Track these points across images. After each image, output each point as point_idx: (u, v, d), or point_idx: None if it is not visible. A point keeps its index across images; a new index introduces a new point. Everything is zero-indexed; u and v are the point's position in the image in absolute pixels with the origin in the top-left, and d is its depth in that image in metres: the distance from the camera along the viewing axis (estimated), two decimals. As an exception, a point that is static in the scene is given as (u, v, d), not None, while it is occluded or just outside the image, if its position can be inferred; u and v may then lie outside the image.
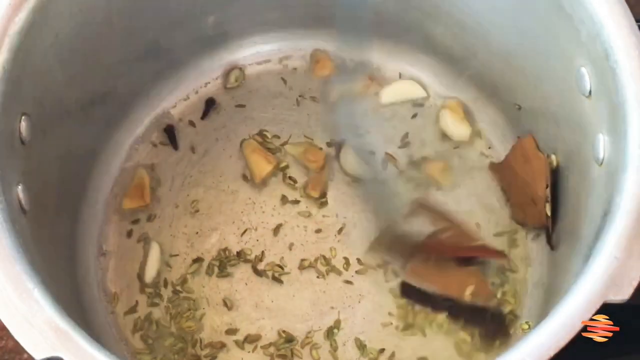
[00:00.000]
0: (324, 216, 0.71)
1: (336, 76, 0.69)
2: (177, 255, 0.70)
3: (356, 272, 0.69)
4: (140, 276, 0.69)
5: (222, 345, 0.66)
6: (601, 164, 0.55)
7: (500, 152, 0.73)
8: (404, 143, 0.73)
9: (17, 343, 0.46)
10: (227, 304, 0.68)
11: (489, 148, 0.73)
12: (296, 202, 0.71)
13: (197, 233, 0.70)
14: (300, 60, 0.77)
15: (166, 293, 0.68)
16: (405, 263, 0.67)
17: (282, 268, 0.69)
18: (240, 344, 0.66)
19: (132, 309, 0.68)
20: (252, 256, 0.69)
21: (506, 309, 0.67)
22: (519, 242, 0.69)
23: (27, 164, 0.56)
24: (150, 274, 0.69)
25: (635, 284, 0.47)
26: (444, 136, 0.74)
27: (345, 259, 0.69)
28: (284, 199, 0.71)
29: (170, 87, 0.75)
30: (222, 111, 0.75)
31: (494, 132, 0.73)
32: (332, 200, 0.71)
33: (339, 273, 0.69)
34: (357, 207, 0.71)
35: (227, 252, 0.70)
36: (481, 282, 0.66)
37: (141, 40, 0.68)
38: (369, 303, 0.68)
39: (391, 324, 0.67)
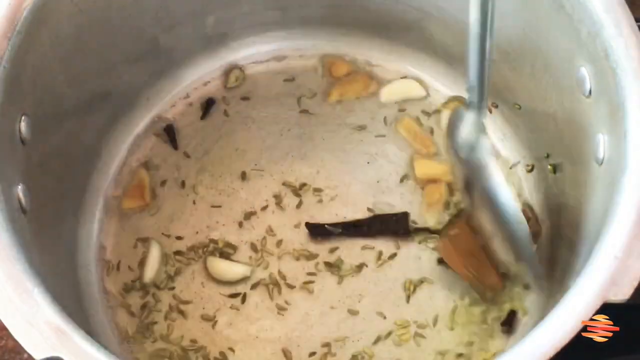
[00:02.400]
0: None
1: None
2: (176, 254, 0.70)
3: (351, 277, 0.69)
4: (140, 276, 0.69)
5: (224, 345, 0.66)
6: (601, 164, 0.55)
7: (500, 151, 0.73)
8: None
9: (17, 343, 0.46)
10: (227, 304, 0.68)
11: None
12: (298, 201, 0.71)
13: (197, 233, 0.70)
14: (301, 60, 0.77)
15: (166, 293, 0.68)
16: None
17: (281, 271, 0.69)
18: (240, 345, 0.67)
19: (132, 309, 0.68)
20: (252, 256, 0.70)
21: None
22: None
23: (27, 164, 0.56)
24: (150, 273, 0.69)
25: (635, 284, 0.47)
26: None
27: (350, 262, 0.69)
28: (283, 199, 0.72)
29: (170, 87, 0.75)
30: (222, 111, 0.75)
31: (494, 131, 0.74)
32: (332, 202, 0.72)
33: (342, 275, 0.69)
34: (356, 207, 0.71)
35: (227, 252, 0.70)
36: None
37: (141, 40, 0.68)
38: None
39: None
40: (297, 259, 0.69)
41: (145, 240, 0.70)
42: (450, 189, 0.71)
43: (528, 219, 0.69)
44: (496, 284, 0.67)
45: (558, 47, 0.59)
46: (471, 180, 0.63)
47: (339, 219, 0.71)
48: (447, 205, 0.71)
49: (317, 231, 0.70)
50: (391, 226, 0.70)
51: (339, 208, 0.71)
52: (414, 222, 0.70)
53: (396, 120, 0.74)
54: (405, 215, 0.70)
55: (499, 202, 0.59)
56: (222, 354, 0.66)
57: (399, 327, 0.67)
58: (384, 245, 0.70)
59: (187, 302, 0.68)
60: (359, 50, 0.76)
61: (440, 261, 0.68)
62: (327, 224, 0.70)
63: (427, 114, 0.75)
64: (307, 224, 0.70)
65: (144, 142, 0.74)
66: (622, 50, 0.53)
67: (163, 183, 0.72)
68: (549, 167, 0.68)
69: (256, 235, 0.70)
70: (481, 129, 0.61)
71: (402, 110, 0.75)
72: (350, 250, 0.70)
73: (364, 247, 0.70)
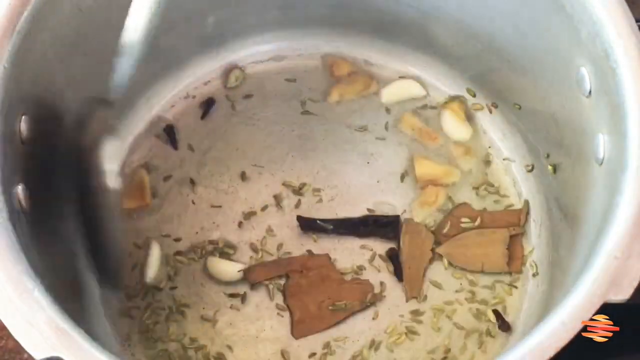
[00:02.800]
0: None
1: None
2: (177, 255, 0.70)
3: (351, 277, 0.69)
4: (141, 276, 0.69)
5: (224, 344, 0.66)
6: (601, 164, 0.55)
7: (501, 151, 0.73)
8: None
9: (17, 343, 0.46)
10: (227, 304, 0.68)
11: (489, 147, 0.73)
12: (298, 201, 0.72)
13: (197, 233, 0.70)
14: (301, 60, 0.77)
15: (166, 293, 0.68)
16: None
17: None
18: (240, 344, 0.67)
19: (132, 309, 0.68)
20: (252, 256, 0.70)
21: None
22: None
23: (27, 164, 0.56)
24: (150, 274, 0.69)
25: (635, 284, 0.48)
26: (445, 136, 0.74)
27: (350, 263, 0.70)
28: (283, 199, 0.72)
29: (170, 87, 0.75)
30: (222, 111, 0.75)
31: (494, 131, 0.74)
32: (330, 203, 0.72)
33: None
34: (356, 207, 0.71)
35: (227, 252, 0.70)
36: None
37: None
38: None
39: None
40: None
41: (145, 241, 0.70)
42: (449, 194, 0.71)
43: (519, 222, 0.69)
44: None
45: (558, 47, 0.59)
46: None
47: (339, 218, 0.71)
48: (440, 208, 0.71)
49: (309, 225, 0.70)
50: (382, 229, 0.70)
51: (339, 208, 0.71)
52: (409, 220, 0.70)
53: (397, 119, 0.74)
54: (396, 219, 0.70)
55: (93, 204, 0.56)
56: (221, 353, 0.66)
57: (398, 328, 0.67)
58: (381, 246, 0.70)
59: (187, 303, 0.68)
60: (359, 50, 0.76)
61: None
62: (318, 220, 0.70)
63: (428, 113, 0.75)
64: (299, 217, 0.70)
65: (143, 142, 0.74)
66: (622, 50, 0.53)
67: (163, 183, 0.72)
68: (549, 167, 0.68)
69: (256, 236, 0.70)
70: (111, 131, 0.57)
71: (402, 110, 0.75)
72: (350, 250, 0.70)
73: (362, 247, 0.70)
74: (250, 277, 0.68)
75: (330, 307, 0.67)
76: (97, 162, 0.56)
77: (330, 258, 0.69)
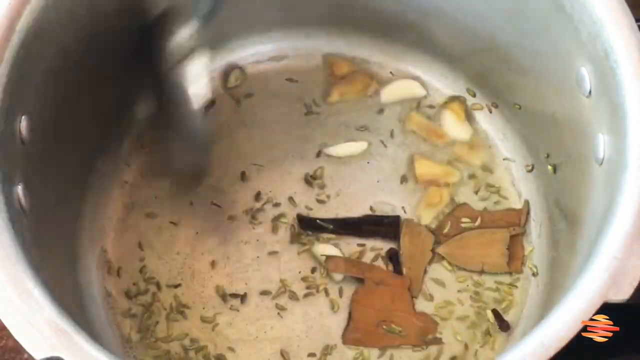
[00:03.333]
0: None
1: None
2: (177, 255, 0.70)
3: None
4: (141, 277, 0.69)
5: (224, 345, 0.67)
6: (601, 164, 0.55)
7: (501, 151, 0.73)
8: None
9: (17, 343, 0.46)
10: (227, 304, 0.68)
11: (489, 147, 0.73)
12: (298, 201, 0.72)
13: (197, 233, 0.70)
14: (301, 60, 0.77)
15: (166, 293, 0.68)
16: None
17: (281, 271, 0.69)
18: (240, 344, 0.67)
19: (133, 310, 0.68)
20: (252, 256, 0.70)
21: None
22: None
23: (27, 164, 0.56)
24: (150, 274, 0.69)
25: (635, 284, 0.48)
26: (445, 136, 0.74)
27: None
28: (283, 198, 0.72)
29: (170, 87, 0.75)
30: (222, 110, 0.75)
31: (494, 131, 0.74)
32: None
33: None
34: (356, 207, 0.71)
35: (226, 251, 0.70)
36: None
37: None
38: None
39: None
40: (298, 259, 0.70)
41: (145, 241, 0.70)
42: (451, 194, 0.71)
43: (519, 222, 0.69)
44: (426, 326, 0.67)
45: (558, 47, 0.59)
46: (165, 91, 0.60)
47: (339, 218, 0.71)
48: (445, 208, 0.71)
49: (309, 225, 0.70)
50: (382, 229, 0.70)
51: (339, 208, 0.71)
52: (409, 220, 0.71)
53: (398, 119, 0.74)
54: (396, 219, 0.70)
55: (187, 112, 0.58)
56: (222, 354, 0.66)
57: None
58: (381, 246, 0.70)
59: (187, 303, 0.68)
60: (359, 50, 0.76)
61: None
62: (318, 219, 0.70)
63: (428, 113, 0.75)
64: (299, 217, 0.70)
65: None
66: (622, 50, 0.53)
67: (163, 183, 0.72)
68: (549, 167, 0.68)
69: (257, 236, 0.70)
70: (199, 42, 0.57)
71: (402, 110, 0.75)
72: (350, 251, 0.70)
73: (359, 245, 0.70)
74: (330, 266, 0.68)
75: (386, 328, 0.66)
76: (181, 80, 0.57)
77: (410, 284, 0.68)
